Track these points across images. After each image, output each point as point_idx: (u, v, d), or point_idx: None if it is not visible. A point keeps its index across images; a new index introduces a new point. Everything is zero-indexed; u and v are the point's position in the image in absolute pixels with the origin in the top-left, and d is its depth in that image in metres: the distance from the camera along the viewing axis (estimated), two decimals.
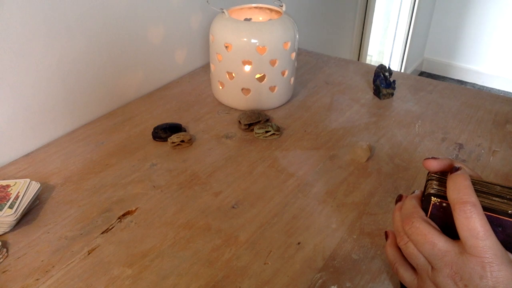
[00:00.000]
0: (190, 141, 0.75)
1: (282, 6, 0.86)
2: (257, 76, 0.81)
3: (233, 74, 0.82)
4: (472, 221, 0.35)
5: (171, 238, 0.56)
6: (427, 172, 0.43)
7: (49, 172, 0.68)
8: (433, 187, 0.40)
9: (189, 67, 1.02)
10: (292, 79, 0.87)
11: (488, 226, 0.35)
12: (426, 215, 0.40)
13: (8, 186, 0.60)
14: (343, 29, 1.86)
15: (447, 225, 0.39)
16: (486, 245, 0.34)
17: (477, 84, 3.08)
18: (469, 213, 0.35)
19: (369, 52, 2.22)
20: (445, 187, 0.38)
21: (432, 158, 0.41)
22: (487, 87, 3.04)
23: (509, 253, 0.35)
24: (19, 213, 0.56)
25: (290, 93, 0.89)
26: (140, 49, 0.89)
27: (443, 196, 0.39)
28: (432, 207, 0.40)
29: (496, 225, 0.36)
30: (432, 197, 0.39)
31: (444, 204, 0.39)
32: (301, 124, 0.82)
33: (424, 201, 0.41)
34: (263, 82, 0.82)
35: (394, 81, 0.92)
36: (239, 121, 0.79)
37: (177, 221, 0.59)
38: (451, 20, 3.00)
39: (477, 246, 0.34)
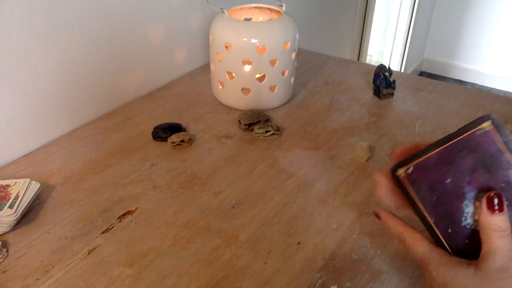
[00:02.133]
0: (190, 141, 0.75)
1: (282, 6, 0.86)
2: (257, 76, 0.81)
3: (233, 74, 0.82)
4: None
5: (171, 238, 0.56)
6: None
7: (49, 172, 0.68)
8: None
9: (189, 67, 1.02)
10: (292, 79, 0.87)
11: None
12: (407, 194, 0.36)
13: (8, 186, 0.60)
14: (343, 29, 1.86)
15: (433, 183, 0.35)
16: None
17: (477, 84, 3.08)
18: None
19: (369, 52, 2.22)
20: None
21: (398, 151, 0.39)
22: (487, 87, 3.04)
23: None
24: (19, 213, 0.56)
25: (290, 93, 0.89)
26: (140, 49, 0.89)
27: (403, 163, 0.36)
28: (407, 180, 0.36)
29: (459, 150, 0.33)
30: (398, 170, 0.36)
31: (412, 168, 0.36)
32: (301, 124, 0.82)
33: (398, 185, 0.36)
34: (263, 82, 0.82)
35: (394, 81, 0.92)
36: (239, 121, 0.79)
37: (177, 221, 0.59)
38: (451, 20, 2.99)
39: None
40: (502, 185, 0.33)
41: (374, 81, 0.92)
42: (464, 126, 0.35)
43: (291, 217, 0.60)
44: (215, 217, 0.59)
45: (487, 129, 0.34)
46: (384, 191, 0.38)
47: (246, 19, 0.90)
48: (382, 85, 0.90)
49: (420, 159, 0.35)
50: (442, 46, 3.12)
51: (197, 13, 0.99)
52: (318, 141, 0.76)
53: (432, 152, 0.35)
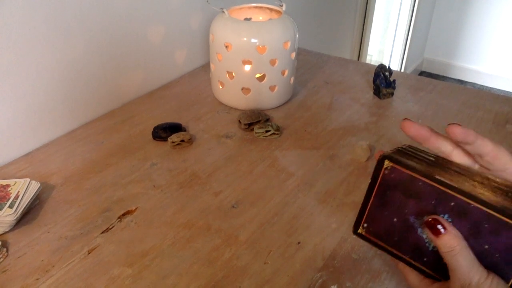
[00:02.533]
0: (190, 140, 0.75)
1: (282, 5, 0.86)
2: (257, 75, 0.81)
3: (233, 74, 0.82)
4: None
5: (171, 237, 0.56)
6: None
7: (49, 172, 0.68)
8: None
9: (189, 67, 1.02)
10: (292, 79, 0.87)
11: None
12: (377, 245, 0.38)
13: (8, 185, 0.60)
14: (343, 29, 1.86)
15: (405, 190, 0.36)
16: None
17: (477, 84, 3.08)
18: None
19: (369, 52, 2.22)
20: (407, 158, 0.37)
21: (411, 122, 0.40)
22: (487, 87, 3.04)
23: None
24: (19, 213, 0.56)
25: (290, 92, 0.89)
26: (140, 49, 0.89)
27: (358, 221, 0.39)
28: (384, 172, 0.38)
29: (461, 213, 0.34)
30: (359, 229, 0.39)
31: (366, 224, 0.39)
32: (301, 123, 0.82)
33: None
34: (263, 82, 0.82)
35: (394, 80, 0.92)
36: (239, 121, 0.79)
37: (177, 221, 0.59)
38: (451, 20, 2.99)
39: None
40: (432, 202, 0.35)
41: (374, 81, 0.92)
42: (374, 172, 0.38)
43: (291, 217, 0.60)
44: (215, 217, 0.59)
45: (390, 166, 0.37)
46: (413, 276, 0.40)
47: (246, 19, 0.90)
48: (382, 84, 0.90)
49: (366, 213, 0.39)
50: (442, 46, 3.12)
51: (197, 13, 0.99)
52: (318, 141, 0.76)
53: (369, 204, 0.38)
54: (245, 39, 0.78)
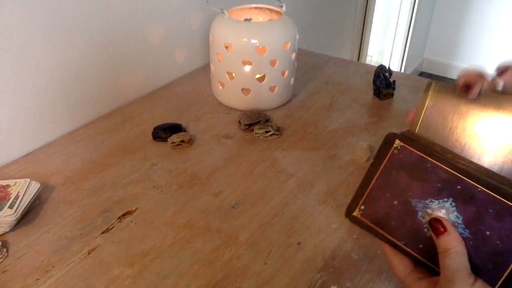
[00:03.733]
0: (190, 141, 0.75)
1: (282, 6, 0.86)
2: (257, 76, 0.81)
3: (233, 74, 0.82)
4: None
5: (171, 238, 0.56)
6: None
7: (49, 172, 0.68)
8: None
9: (189, 67, 1.02)
10: (292, 79, 0.87)
11: None
12: (371, 229, 0.38)
13: (8, 186, 0.60)
14: (343, 29, 1.86)
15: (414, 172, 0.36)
16: None
17: None
18: None
19: (369, 53, 2.22)
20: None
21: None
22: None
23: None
24: (19, 213, 0.56)
25: (290, 93, 0.89)
26: (140, 49, 0.89)
27: (353, 205, 0.38)
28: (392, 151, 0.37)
29: (469, 197, 0.34)
30: (353, 212, 0.38)
31: (363, 206, 0.38)
32: (301, 124, 0.82)
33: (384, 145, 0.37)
34: (263, 82, 0.82)
35: (394, 81, 0.92)
36: (239, 121, 0.79)
37: (177, 221, 0.59)
38: (451, 20, 2.99)
39: None
40: (438, 185, 0.34)
41: (374, 82, 0.92)
42: (380, 151, 0.37)
43: (291, 217, 0.60)
44: (215, 217, 0.59)
45: (400, 145, 0.36)
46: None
47: (246, 20, 0.90)
48: (382, 85, 0.90)
49: (366, 194, 0.38)
50: (442, 46, 3.12)
51: (197, 13, 0.99)
52: (318, 141, 0.76)
53: (371, 185, 0.37)
54: (245, 39, 0.78)
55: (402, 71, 2.77)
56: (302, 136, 0.78)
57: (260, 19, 0.90)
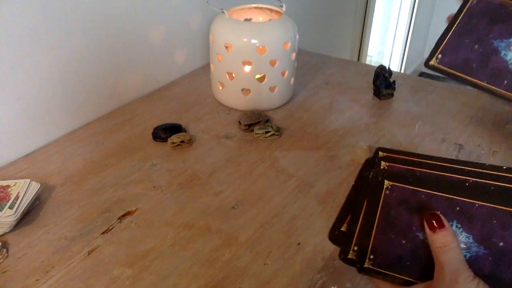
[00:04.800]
0: (190, 141, 0.75)
1: (282, 6, 0.86)
2: (257, 76, 0.81)
3: (233, 75, 0.82)
4: None
5: (171, 238, 0.56)
6: None
7: (49, 172, 0.68)
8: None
9: (189, 67, 1.02)
10: (292, 80, 0.87)
11: None
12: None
13: (8, 186, 0.60)
14: (343, 30, 1.86)
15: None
16: None
17: None
18: None
19: (369, 53, 2.22)
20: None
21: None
22: None
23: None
24: (19, 213, 0.56)
25: (290, 93, 0.89)
26: (140, 49, 0.89)
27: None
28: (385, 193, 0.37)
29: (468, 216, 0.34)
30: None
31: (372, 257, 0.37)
32: (301, 124, 0.82)
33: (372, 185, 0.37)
34: (263, 83, 0.82)
35: (394, 81, 0.92)
36: (239, 122, 0.79)
37: (177, 221, 0.59)
38: None
39: None
40: (438, 212, 0.34)
41: (374, 82, 0.92)
42: (372, 195, 0.37)
43: (291, 218, 0.60)
44: (215, 217, 0.59)
45: (390, 185, 0.36)
46: None
47: (246, 20, 0.90)
48: (382, 85, 0.90)
49: (369, 241, 0.37)
50: None
51: (197, 13, 0.99)
52: (318, 142, 0.76)
53: (374, 227, 0.36)
54: (245, 39, 0.78)
55: (402, 71, 2.77)
56: (302, 136, 0.78)
57: (260, 19, 0.90)
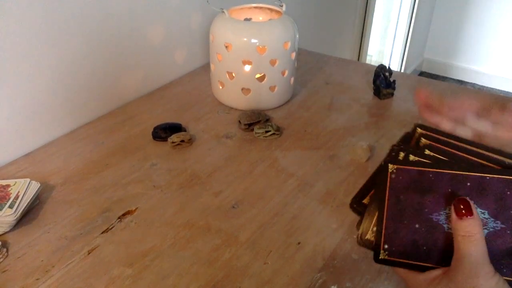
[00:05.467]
0: (190, 141, 0.75)
1: (282, 6, 0.86)
2: (257, 76, 0.81)
3: (233, 74, 0.82)
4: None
5: (171, 238, 0.56)
6: None
7: (49, 172, 0.68)
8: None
9: (189, 67, 1.02)
10: (292, 79, 0.87)
11: None
12: (385, 189, 0.36)
13: (8, 186, 0.60)
14: (343, 29, 1.86)
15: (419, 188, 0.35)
16: None
17: (477, 84, 3.08)
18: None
19: (369, 52, 2.22)
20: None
21: (424, 91, 0.39)
22: (487, 87, 3.04)
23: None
24: (19, 213, 0.56)
25: (290, 93, 0.89)
26: (140, 49, 0.89)
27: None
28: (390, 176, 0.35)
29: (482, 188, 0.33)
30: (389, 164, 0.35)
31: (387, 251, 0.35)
32: (301, 124, 0.82)
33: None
34: (263, 82, 0.82)
35: (394, 81, 0.92)
36: (239, 121, 0.79)
37: (177, 221, 0.59)
38: (451, 20, 2.99)
39: None
40: (449, 190, 0.33)
41: (374, 81, 0.92)
42: (379, 181, 0.36)
43: (291, 217, 0.60)
44: (215, 217, 0.59)
45: (395, 168, 0.35)
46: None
47: (246, 19, 0.90)
48: (382, 85, 0.90)
49: (383, 232, 0.35)
50: (442, 46, 3.12)
51: (197, 13, 0.99)
52: (318, 141, 0.76)
53: (384, 219, 0.35)
54: (245, 39, 0.78)
55: (402, 71, 2.77)
56: (302, 136, 0.78)
57: (260, 18, 0.90)
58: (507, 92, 2.95)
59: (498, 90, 3.00)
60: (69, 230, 0.57)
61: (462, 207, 0.32)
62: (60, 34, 0.72)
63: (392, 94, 0.91)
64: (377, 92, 0.91)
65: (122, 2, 0.81)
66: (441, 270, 0.34)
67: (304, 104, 0.88)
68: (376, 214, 0.36)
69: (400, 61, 2.74)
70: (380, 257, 0.36)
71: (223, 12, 0.82)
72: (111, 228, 0.57)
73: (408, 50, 2.72)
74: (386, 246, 0.35)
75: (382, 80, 0.90)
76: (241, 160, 0.71)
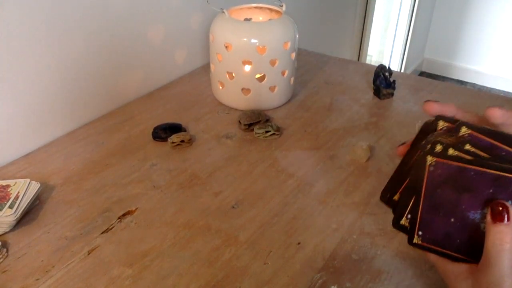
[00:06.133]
0: (190, 141, 0.75)
1: (282, 6, 0.86)
2: (257, 76, 0.81)
3: (233, 74, 0.82)
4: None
5: (171, 238, 0.56)
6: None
7: (49, 172, 0.68)
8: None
9: (189, 67, 1.02)
10: (292, 79, 0.87)
11: None
12: (422, 184, 0.34)
13: (8, 186, 0.60)
14: (343, 29, 1.86)
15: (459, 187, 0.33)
16: None
17: (477, 84, 3.08)
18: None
19: (369, 52, 2.22)
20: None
21: (433, 101, 0.37)
22: (487, 87, 3.04)
23: None
24: (19, 213, 0.56)
25: (290, 93, 0.89)
26: (140, 49, 0.89)
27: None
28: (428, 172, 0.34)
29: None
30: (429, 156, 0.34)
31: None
32: (301, 124, 0.82)
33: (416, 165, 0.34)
34: (263, 82, 0.82)
35: (394, 81, 0.92)
36: (239, 121, 0.79)
37: (177, 221, 0.59)
38: (451, 20, 2.99)
39: None
40: (490, 191, 0.32)
41: (374, 81, 0.92)
42: (416, 171, 0.34)
43: (291, 217, 0.60)
44: (215, 217, 0.59)
45: (434, 161, 0.34)
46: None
47: (246, 19, 0.90)
48: (382, 85, 0.90)
49: (418, 219, 0.35)
50: (442, 46, 3.12)
51: (197, 13, 0.99)
52: (318, 141, 0.76)
53: (420, 207, 0.35)
54: (245, 39, 0.78)
55: (402, 71, 2.77)
56: (302, 136, 0.78)
57: (260, 18, 0.90)
58: (507, 92, 2.95)
59: (498, 90, 3.00)
60: (69, 230, 0.57)
61: (499, 211, 0.31)
62: (60, 34, 0.73)
63: (392, 94, 0.91)
64: (377, 92, 0.91)
65: (122, 2, 0.81)
66: (469, 267, 0.33)
67: (304, 104, 0.88)
68: (412, 202, 0.35)
69: (400, 61, 2.74)
70: (414, 241, 0.35)
71: (223, 12, 0.82)
72: (111, 228, 0.57)
73: (408, 50, 2.72)
74: (420, 233, 0.35)
75: (382, 80, 0.90)
76: (241, 160, 0.71)
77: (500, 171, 0.31)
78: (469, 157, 0.33)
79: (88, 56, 0.79)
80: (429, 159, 0.34)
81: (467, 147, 0.33)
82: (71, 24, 0.74)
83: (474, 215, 0.33)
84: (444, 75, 3.19)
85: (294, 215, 0.60)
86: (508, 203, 0.31)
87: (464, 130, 0.34)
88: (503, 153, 0.32)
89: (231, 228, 0.58)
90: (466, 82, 3.12)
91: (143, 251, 0.54)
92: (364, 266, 0.52)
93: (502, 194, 0.32)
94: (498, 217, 0.31)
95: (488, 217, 0.32)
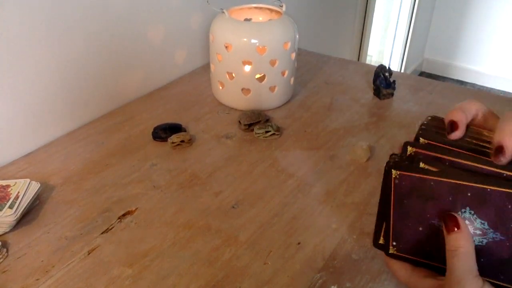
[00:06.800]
0: (190, 141, 0.75)
1: (282, 6, 0.86)
2: (257, 76, 0.81)
3: (233, 74, 0.82)
4: None
5: (171, 238, 0.56)
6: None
7: (49, 172, 0.68)
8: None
9: (189, 67, 1.02)
10: (292, 79, 0.87)
11: None
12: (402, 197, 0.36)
13: (8, 186, 0.60)
14: (343, 29, 1.86)
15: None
16: None
17: (477, 84, 3.08)
18: None
19: (369, 52, 2.22)
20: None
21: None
22: (487, 87, 3.04)
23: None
24: (19, 213, 0.56)
25: (290, 93, 0.89)
26: (140, 49, 0.89)
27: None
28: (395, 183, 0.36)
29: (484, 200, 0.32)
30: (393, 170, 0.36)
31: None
32: (301, 124, 0.82)
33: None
34: (263, 82, 0.82)
35: (394, 81, 0.92)
36: (239, 121, 0.79)
37: (177, 221, 0.59)
38: (451, 20, 2.99)
39: None
40: (450, 198, 0.34)
41: (374, 81, 0.92)
42: (384, 185, 0.36)
43: (291, 217, 0.60)
44: (215, 217, 0.59)
45: (397, 175, 0.36)
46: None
47: (246, 19, 0.90)
48: (382, 85, 0.90)
49: (391, 230, 0.37)
50: (442, 46, 3.12)
51: (197, 13, 0.99)
52: (318, 141, 0.76)
53: (391, 218, 0.37)
54: (245, 39, 0.78)
55: (402, 71, 2.77)
56: (302, 136, 0.78)
57: (260, 19, 0.90)
58: (507, 92, 2.95)
59: (498, 90, 3.00)
60: (69, 230, 0.57)
61: (450, 222, 0.33)
62: (60, 34, 0.73)
63: (392, 94, 0.91)
64: (377, 92, 0.91)
65: (122, 2, 0.81)
66: (437, 281, 0.35)
67: (304, 104, 0.88)
68: (386, 216, 0.37)
69: (400, 61, 2.74)
70: (390, 252, 0.38)
71: (223, 12, 0.82)
72: (111, 228, 0.57)
73: (408, 50, 2.72)
74: (394, 243, 0.37)
75: (382, 80, 0.90)
76: (241, 160, 0.71)
77: (455, 180, 0.33)
78: (433, 169, 0.35)
79: (88, 56, 0.79)
80: (394, 172, 0.36)
81: (422, 165, 0.36)
82: (71, 24, 0.74)
83: (439, 222, 0.34)
84: (444, 75, 3.18)
85: (294, 215, 0.60)
86: (456, 214, 0.33)
87: (410, 150, 0.36)
88: (431, 183, 0.34)
89: (231, 228, 0.58)
90: (466, 82, 3.12)
91: (143, 251, 0.54)
92: (364, 266, 0.52)
93: (459, 201, 0.33)
94: (451, 228, 0.33)
95: (444, 230, 0.33)
